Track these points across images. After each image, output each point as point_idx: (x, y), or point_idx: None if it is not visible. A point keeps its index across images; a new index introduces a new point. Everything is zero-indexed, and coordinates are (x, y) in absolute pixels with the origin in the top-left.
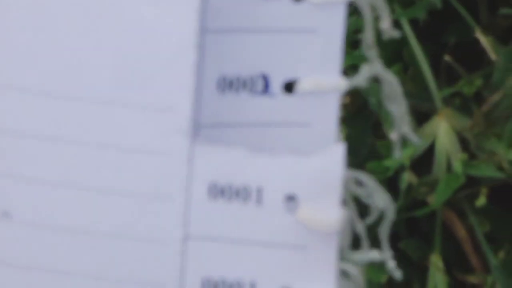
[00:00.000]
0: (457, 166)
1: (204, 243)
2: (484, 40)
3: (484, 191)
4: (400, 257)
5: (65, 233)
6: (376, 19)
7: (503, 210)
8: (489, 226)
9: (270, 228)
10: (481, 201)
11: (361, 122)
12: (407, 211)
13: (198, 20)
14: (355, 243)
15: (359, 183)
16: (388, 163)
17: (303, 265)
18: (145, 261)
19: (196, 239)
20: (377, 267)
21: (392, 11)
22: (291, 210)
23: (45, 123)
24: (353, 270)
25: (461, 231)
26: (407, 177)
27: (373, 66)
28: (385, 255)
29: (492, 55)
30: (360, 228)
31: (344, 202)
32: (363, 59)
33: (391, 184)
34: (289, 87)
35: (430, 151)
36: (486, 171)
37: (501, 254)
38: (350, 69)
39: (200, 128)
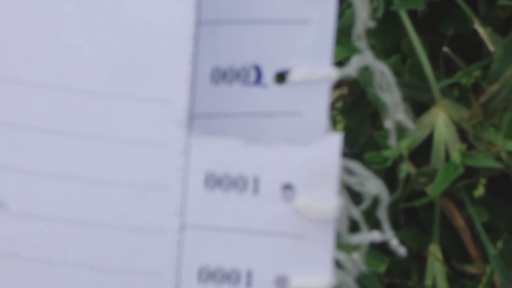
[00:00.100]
0: (455, 156)
1: (200, 232)
2: (482, 32)
3: (482, 181)
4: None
5: (62, 224)
6: (374, 10)
7: (501, 200)
8: (488, 216)
9: (267, 217)
10: (479, 191)
11: (359, 113)
12: (406, 201)
13: (194, 12)
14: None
15: (350, 172)
16: (386, 153)
17: (300, 253)
18: (142, 251)
19: (193, 228)
20: (376, 256)
21: (391, 2)
22: (288, 199)
23: (42, 115)
24: (346, 258)
25: (459, 221)
26: (406, 168)
27: (364, 57)
28: (387, 235)
29: (491, 47)
30: (356, 213)
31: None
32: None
33: (389, 174)
34: (281, 77)
35: (428, 141)
36: (484, 161)
37: (500, 244)
38: (347, 61)
39: (194, 119)
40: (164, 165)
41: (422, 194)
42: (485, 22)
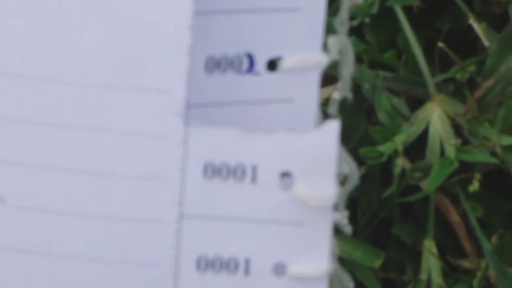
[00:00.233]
0: (450, 151)
1: (199, 221)
2: (477, 27)
3: (477, 176)
4: (394, 242)
5: (61, 216)
6: (370, 5)
7: (496, 195)
8: (482, 211)
9: (265, 205)
10: (474, 186)
11: (354, 108)
12: (401, 196)
13: (193, 3)
14: None
15: None
16: (381, 148)
17: (298, 241)
18: (141, 241)
19: (191, 218)
20: (371, 251)
21: None
22: (286, 187)
23: (41, 108)
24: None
25: (454, 216)
26: (401, 163)
27: (339, 38)
28: (340, 214)
29: (485, 42)
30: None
31: None
32: (356, 46)
33: (384, 169)
34: (272, 65)
35: (423, 136)
36: (479, 156)
37: (494, 239)
38: None
39: (189, 109)
40: (162, 155)
41: (417, 189)
42: (480, 17)
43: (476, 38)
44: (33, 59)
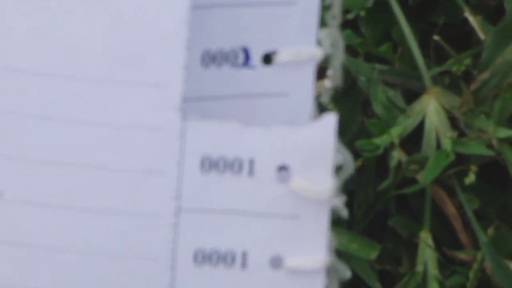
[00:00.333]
0: (446, 144)
1: (196, 215)
2: (473, 20)
3: (473, 168)
4: (390, 234)
5: (58, 210)
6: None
7: (492, 187)
8: (478, 203)
9: (262, 199)
10: (470, 178)
11: (350, 101)
12: (397, 188)
13: None
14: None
15: None
16: (377, 141)
17: (295, 234)
18: (138, 235)
19: (189, 211)
20: (367, 243)
21: None
22: (283, 180)
23: (37, 102)
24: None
25: (450, 208)
26: (397, 155)
27: (331, 31)
28: (340, 200)
29: (481, 35)
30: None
31: None
32: (352, 39)
33: (380, 162)
34: (268, 58)
35: (419, 129)
36: (475, 149)
37: (490, 231)
38: None
39: (185, 102)
40: (160, 149)
41: (413, 181)
42: (475, 10)
43: (471, 31)
44: (31, 53)
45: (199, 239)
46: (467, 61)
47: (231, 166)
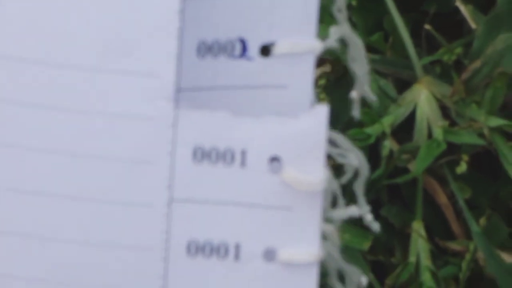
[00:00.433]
0: (438, 133)
1: (189, 205)
2: (464, 9)
3: (464, 158)
4: (382, 224)
5: (50, 199)
6: None
7: (483, 176)
8: (470, 193)
9: (254, 190)
10: (462, 168)
11: (341, 90)
12: (389, 178)
13: None
14: (333, 204)
15: (333, 143)
16: (369, 130)
17: (288, 226)
18: (131, 225)
19: (181, 202)
20: (360, 233)
21: None
22: (275, 171)
23: (30, 90)
24: (330, 230)
25: (442, 198)
26: (388, 144)
27: (341, 28)
28: (362, 210)
29: (472, 24)
30: (336, 186)
31: None
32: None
33: (372, 151)
34: (265, 50)
35: (411, 118)
36: (467, 138)
37: (482, 221)
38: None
39: (180, 92)
40: (152, 139)
41: (405, 170)
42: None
43: (462, 20)
44: (23, 41)
45: (192, 230)
46: (458, 50)
47: (224, 156)
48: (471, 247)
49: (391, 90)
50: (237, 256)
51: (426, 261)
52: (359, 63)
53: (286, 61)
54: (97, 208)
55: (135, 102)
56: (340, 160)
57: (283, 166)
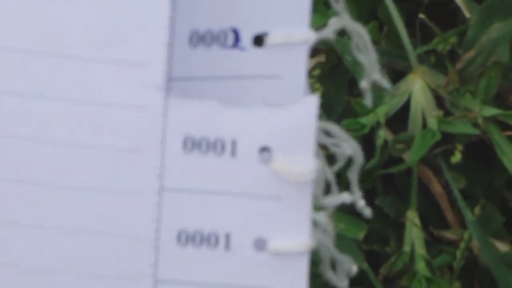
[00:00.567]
0: (432, 123)
1: (179, 195)
2: None
3: (459, 147)
4: (377, 214)
5: (41, 187)
6: None
7: (478, 166)
8: (465, 182)
9: (244, 180)
10: (456, 157)
11: (336, 80)
12: (383, 168)
13: None
14: (326, 192)
15: (327, 133)
16: (363, 120)
17: (278, 216)
18: (121, 214)
19: (172, 191)
20: (355, 223)
21: None
22: (265, 161)
23: (21, 79)
24: (323, 219)
25: (437, 187)
26: (383, 134)
27: (341, 19)
28: (355, 196)
29: (466, 13)
30: (329, 174)
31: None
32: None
33: (366, 141)
34: (259, 40)
35: (405, 108)
36: (461, 127)
37: (477, 210)
38: (323, 28)
39: (172, 82)
40: (142, 128)
41: (400, 160)
42: None
43: (457, 9)
44: (14, 31)
45: (182, 220)
46: (453, 39)
47: (214, 146)
48: (466, 236)
49: (385, 79)
50: (227, 246)
51: (420, 250)
52: (366, 52)
53: (280, 52)
54: (88, 196)
55: (126, 91)
56: (334, 150)
57: (273, 156)
